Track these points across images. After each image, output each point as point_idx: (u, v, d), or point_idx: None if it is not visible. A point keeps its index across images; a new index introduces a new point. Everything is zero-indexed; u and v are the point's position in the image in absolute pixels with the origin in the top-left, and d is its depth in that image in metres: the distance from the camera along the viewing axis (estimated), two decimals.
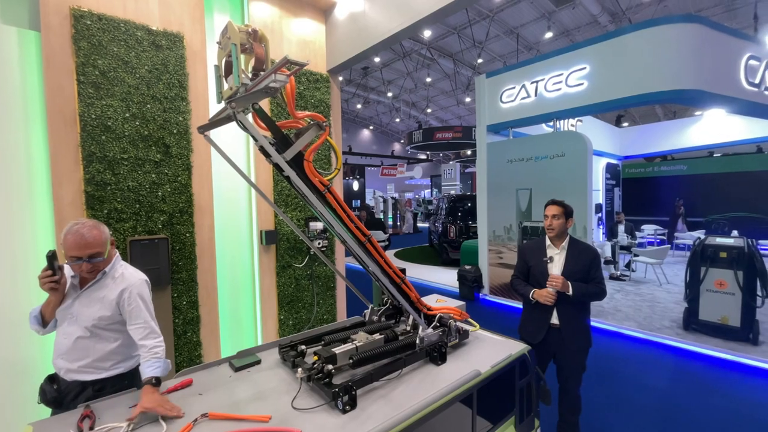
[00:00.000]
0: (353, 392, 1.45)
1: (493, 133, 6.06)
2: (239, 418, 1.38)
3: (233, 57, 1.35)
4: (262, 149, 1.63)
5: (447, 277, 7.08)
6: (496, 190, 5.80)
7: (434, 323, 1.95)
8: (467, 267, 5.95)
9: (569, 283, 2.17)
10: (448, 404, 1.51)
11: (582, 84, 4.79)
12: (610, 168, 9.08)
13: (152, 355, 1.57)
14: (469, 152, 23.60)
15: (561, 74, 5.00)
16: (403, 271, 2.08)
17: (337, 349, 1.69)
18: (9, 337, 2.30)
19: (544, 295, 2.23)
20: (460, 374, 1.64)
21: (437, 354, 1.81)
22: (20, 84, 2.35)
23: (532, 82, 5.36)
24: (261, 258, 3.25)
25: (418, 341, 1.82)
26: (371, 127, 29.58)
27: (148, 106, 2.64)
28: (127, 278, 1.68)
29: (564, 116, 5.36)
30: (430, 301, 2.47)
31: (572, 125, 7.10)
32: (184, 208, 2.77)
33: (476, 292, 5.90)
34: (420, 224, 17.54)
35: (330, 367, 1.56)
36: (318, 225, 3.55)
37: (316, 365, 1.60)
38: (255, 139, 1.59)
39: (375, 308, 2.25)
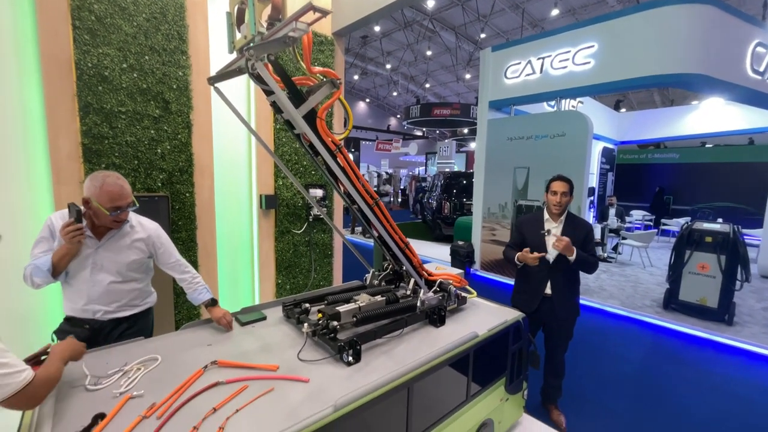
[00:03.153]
0: (358, 347, 1.51)
1: (495, 109, 6.00)
2: (248, 366, 1.43)
3: (249, 3, 1.29)
4: (274, 104, 1.60)
5: (439, 251, 7.20)
6: (493, 168, 5.81)
7: (434, 288, 2.01)
8: (460, 243, 6.05)
9: (574, 248, 2.23)
10: (447, 362, 1.58)
11: (588, 63, 4.73)
12: (606, 152, 9.14)
13: (197, 284, 1.93)
14: (466, 131, 23.40)
15: (568, 51, 4.92)
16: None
17: (341, 308, 1.74)
18: (13, 291, 2.30)
19: (523, 255, 2.31)
20: (459, 336, 1.71)
21: (437, 317, 1.87)
22: (12, 27, 2.22)
23: (539, 59, 5.27)
24: (260, 222, 3.25)
25: (419, 304, 1.88)
26: (368, 100, 28.93)
27: (146, 57, 2.53)
28: (146, 225, 1.87)
29: (568, 95, 5.32)
30: (430, 268, 2.53)
31: (573, 106, 7.06)
32: (184, 167, 2.72)
33: (468, 267, 6.03)
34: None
35: (335, 323, 1.62)
36: (318, 192, 3.55)
37: (321, 321, 1.66)
38: (267, 94, 1.56)
39: (376, 273, 2.30)
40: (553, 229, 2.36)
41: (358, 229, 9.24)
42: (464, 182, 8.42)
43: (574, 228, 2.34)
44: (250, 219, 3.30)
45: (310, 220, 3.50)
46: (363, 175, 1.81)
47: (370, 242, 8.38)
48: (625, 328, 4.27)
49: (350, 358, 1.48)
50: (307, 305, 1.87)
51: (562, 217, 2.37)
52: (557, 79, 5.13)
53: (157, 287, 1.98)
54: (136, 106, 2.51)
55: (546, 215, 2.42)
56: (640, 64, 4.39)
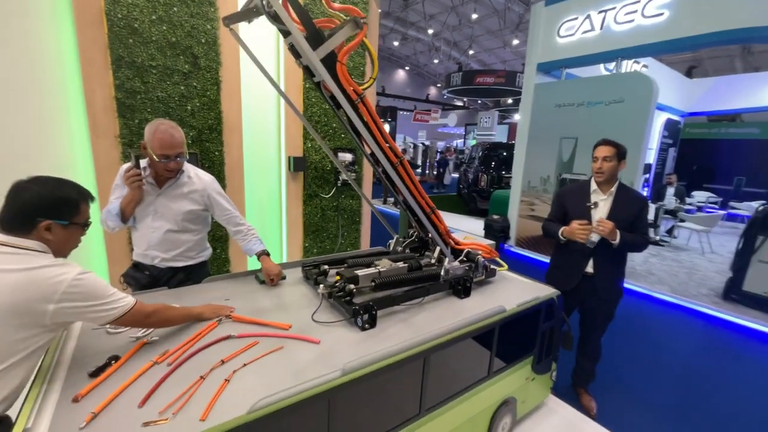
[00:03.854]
0: (374, 312, 1.43)
1: (543, 73, 5.46)
2: (261, 323, 1.41)
3: None
4: (291, 48, 1.47)
5: (473, 226, 6.96)
6: (537, 138, 5.37)
7: (461, 257, 1.88)
8: (495, 217, 5.77)
9: (618, 232, 1.98)
10: (469, 335, 1.47)
11: (661, 14, 4.08)
12: (669, 125, 8.16)
13: (252, 235, 1.92)
14: (510, 101, 22.01)
15: (637, 2, 4.27)
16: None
17: (360, 271, 1.67)
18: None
19: (570, 229, 2.04)
20: (484, 309, 1.59)
21: (461, 288, 1.75)
22: None
23: (600, 12, 4.64)
24: (288, 185, 3.23)
25: (442, 273, 1.76)
26: (407, 68, 27.89)
27: (175, 9, 2.46)
28: (203, 177, 1.89)
29: (633, 54, 4.66)
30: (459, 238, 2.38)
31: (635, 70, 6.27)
32: (213, 125, 2.71)
33: (502, 243, 5.78)
34: (453, 175, 17.06)
35: (352, 286, 1.54)
36: (347, 156, 3.44)
37: (338, 284, 1.59)
38: (284, 35, 1.43)
39: (400, 239, 2.19)
40: (601, 202, 2.10)
41: (390, 200, 9.13)
42: (504, 154, 7.92)
43: (626, 202, 2.06)
44: (278, 181, 3.28)
45: (339, 185, 3.43)
46: (399, 146, 1.64)
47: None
48: (673, 317, 3.91)
49: (365, 324, 1.41)
50: (326, 267, 1.81)
51: (613, 189, 2.09)
52: (621, 35, 4.51)
53: (214, 244, 2.03)
54: (166, 60, 2.48)
55: (593, 185, 2.15)
56: (726, 14, 3.71)
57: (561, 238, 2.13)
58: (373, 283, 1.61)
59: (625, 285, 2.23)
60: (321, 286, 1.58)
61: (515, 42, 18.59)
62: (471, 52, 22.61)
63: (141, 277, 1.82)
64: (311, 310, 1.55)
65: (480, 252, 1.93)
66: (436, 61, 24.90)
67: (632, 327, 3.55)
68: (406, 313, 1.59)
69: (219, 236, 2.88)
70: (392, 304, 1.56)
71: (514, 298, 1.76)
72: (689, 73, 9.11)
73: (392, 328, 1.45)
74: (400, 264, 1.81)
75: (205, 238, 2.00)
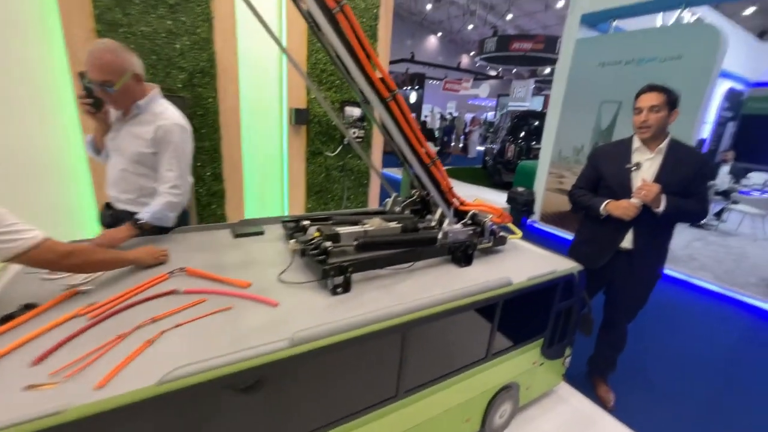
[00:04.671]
0: (348, 274, 1.20)
1: (587, 26, 4.79)
2: (217, 279, 1.21)
3: None
4: None
5: (495, 198, 6.55)
6: (574, 102, 4.79)
7: (465, 220, 1.59)
8: (519, 189, 5.33)
9: (664, 195, 1.61)
10: (462, 310, 1.22)
11: None
12: (731, 95, 7.19)
13: (154, 202, 1.53)
14: (548, 70, 20.47)
15: None
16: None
17: (342, 229, 1.43)
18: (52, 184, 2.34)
19: (625, 206, 1.66)
20: (485, 280, 1.32)
21: (462, 254, 1.48)
22: None
23: None
24: (290, 139, 2.99)
25: (440, 235, 1.49)
26: (439, 34, 26.36)
27: None
28: (163, 118, 1.56)
29: (699, 1, 3.95)
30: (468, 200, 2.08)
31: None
32: (205, 68, 2.47)
33: (524, 217, 5.37)
34: (478, 148, 16.29)
35: (328, 244, 1.30)
36: (355, 111, 3.14)
37: (314, 240, 1.36)
38: None
39: (399, 198, 1.92)
40: (646, 162, 1.71)
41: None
42: (536, 123, 7.28)
43: (680, 161, 1.66)
44: (280, 135, 3.04)
45: (345, 143, 3.16)
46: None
47: None
48: (716, 307, 3.48)
49: (337, 287, 1.19)
50: (306, 223, 1.58)
51: (662, 145, 1.69)
52: None
53: (209, 199, 1.83)
54: None
55: (636, 143, 1.76)
56: None
57: (602, 213, 1.76)
58: (355, 243, 1.36)
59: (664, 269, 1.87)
60: (292, 241, 1.36)
61: (559, 4, 16.93)
62: (509, 16, 20.93)
63: (105, 215, 1.67)
64: (282, 269, 1.34)
65: (490, 216, 1.64)
66: (470, 26, 23.30)
67: (664, 314, 3.17)
68: (392, 278, 1.35)
69: (215, 191, 2.72)
70: (373, 266, 1.31)
71: (526, 270, 1.48)
72: (762, 36, 7.92)
73: (369, 294, 1.21)
74: (393, 224, 1.56)
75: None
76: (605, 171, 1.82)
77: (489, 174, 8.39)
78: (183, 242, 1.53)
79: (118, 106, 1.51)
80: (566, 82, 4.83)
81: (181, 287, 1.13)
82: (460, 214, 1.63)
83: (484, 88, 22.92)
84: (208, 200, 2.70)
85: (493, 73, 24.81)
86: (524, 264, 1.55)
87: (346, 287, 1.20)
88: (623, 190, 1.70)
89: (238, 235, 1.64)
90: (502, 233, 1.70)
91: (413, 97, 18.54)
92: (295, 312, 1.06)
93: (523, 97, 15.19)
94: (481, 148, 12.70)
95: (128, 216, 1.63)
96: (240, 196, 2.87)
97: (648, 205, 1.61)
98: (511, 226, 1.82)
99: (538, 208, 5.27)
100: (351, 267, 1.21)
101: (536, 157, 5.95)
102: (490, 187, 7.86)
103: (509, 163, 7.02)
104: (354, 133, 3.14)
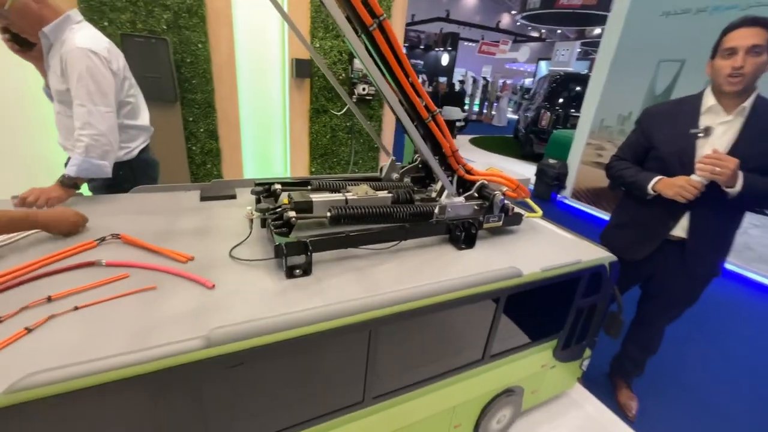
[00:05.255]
0: (308, 253, 0.95)
1: None
2: (154, 250, 1.01)
3: None
4: None
5: (523, 170, 6.03)
6: (624, 61, 4.13)
7: (471, 192, 1.29)
8: (551, 161, 4.81)
9: (741, 173, 1.21)
10: (450, 306, 0.96)
11: None
12: None
13: (78, 146, 1.27)
14: (598, 30, 18.46)
15: None
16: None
17: (318, 196, 1.18)
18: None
19: (681, 185, 1.27)
20: (489, 268, 1.04)
21: (462, 234, 1.19)
22: None
23: None
24: (292, 94, 2.69)
25: (437, 210, 1.21)
26: None
27: None
28: (67, 44, 1.28)
29: None
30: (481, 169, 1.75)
31: None
32: (192, 7, 2.18)
33: (554, 192, 4.88)
34: (510, 116, 15.22)
35: (292, 214, 1.06)
36: None
37: (280, 208, 1.12)
38: None
39: (398, 164, 1.62)
40: (720, 126, 1.30)
41: None
42: (577, 89, 6.51)
43: (766, 126, 1.26)
44: (282, 89, 2.75)
45: (354, 100, 2.83)
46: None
47: None
48: None
49: (294, 269, 0.95)
50: (278, 187, 1.33)
51: (746, 104, 1.26)
52: None
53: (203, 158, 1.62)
54: None
55: (709, 100, 1.34)
56: None
57: (650, 192, 1.38)
58: (329, 214, 1.11)
59: None
60: (249, 208, 1.12)
61: None
62: None
63: (66, 161, 1.47)
64: (239, 241, 1.12)
65: (504, 189, 1.32)
66: None
67: (709, 312, 2.77)
68: (372, 260, 1.10)
69: (209, 149, 2.52)
70: (345, 245, 1.06)
71: (542, 257, 1.19)
72: None
73: (334, 280, 0.97)
74: (382, 193, 1.29)
75: (122, 128, 1.47)
76: (659, 137, 1.42)
77: (520, 144, 7.75)
78: (137, 203, 1.34)
79: (26, 35, 1.28)
80: (618, 37, 4.14)
81: (103, 258, 0.94)
82: (466, 186, 1.33)
83: (524, 51, 21.19)
84: (203, 159, 2.51)
85: (535, 34, 22.78)
86: (541, 250, 1.25)
87: (305, 270, 0.96)
88: (682, 164, 1.31)
89: (204, 198, 1.42)
90: (516, 210, 1.39)
91: (445, 59, 17.41)
92: (234, 298, 0.85)
93: (567, 61, 13.84)
94: (515, 116, 11.84)
95: None
96: (238, 155, 2.66)
97: (719, 183, 1.22)
98: (529, 202, 1.49)
99: (570, 182, 4.76)
100: (313, 244, 0.97)
101: (574, 126, 5.35)
102: (520, 159, 7.28)
103: (543, 132, 6.37)
104: (364, 89, 2.79)
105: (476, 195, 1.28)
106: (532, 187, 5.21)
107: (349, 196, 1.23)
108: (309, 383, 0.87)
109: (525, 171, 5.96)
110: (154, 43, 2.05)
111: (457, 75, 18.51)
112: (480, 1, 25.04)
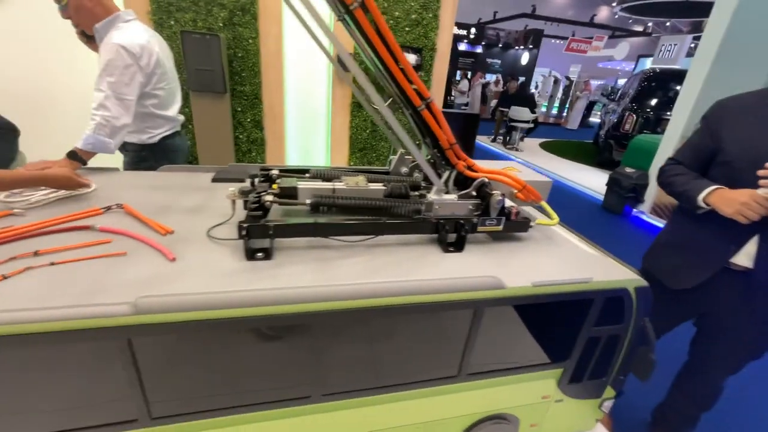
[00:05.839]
0: (269, 235, 0.94)
1: None
2: (144, 221, 1.09)
3: None
4: None
5: (595, 180, 5.37)
6: (735, 50, 3.41)
7: (469, 190, 1.16)
8: (627, 170, 4.19)
9: None
10: (409, 311, 0.87)
11: None
12: None
13: (89, 126, 1.41)
14: None
15: None
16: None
17: (305, 183, 1.17)
18: None
19: (743, 201, 1.01)
20: (470, 274, 0.94)
21: (453, 234, 1.08)
22: None
23: None
24: (334, 88, 2.75)
25: (423, 207, 1.11)
26: None
27: None
28: (106, 39, 1.46)
29: None
30: (495, 168, 1.55)
31: None
32: (246, 6, 2.35)
33: (628, 205, 4.25)
34: (594, 119, 13.72)
35: (269, 198, 1.06)
36: (410, 57, 2.71)
37: (263, 193, 1.13)
38: None
39: (407, 157, 1.54)
40: None
41: (500, 138, 7.77)
42: (677, 88, 5.56)
43: None
44: (327, 83, 2.81)
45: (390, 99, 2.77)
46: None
47: (515, 157, 7.02)
48: None
49: (254, 251, 0.95)
50: (275, 173, 1.35)
51: None
52: None
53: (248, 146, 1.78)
54: None
55: None
56: None
57: (702, 206, 1.12)
58: (308, 202, 1.09)
59: None
60: (231, 189, 1.15)
61: None
62: None
63: None
64: (229, 221, 1.16)
65: (513, 190, 1.17)
66: None
67: None
68: (341, 252, 1.05)
69: (254, 138, 2.70)
70: (312, 233, 1.03)
71: (543, 271, 1.03)
72: None
73: (294, 268, 0.94)
74: (377, 185, 1.23)
75: (147, 116, 1.63)
76: (730, 136, 1.12)
77: (600, 150, 6.92)
78: (157, 180, 1.47)
79: (83, 29, 1.46)
80: (729, 20, 3.43)
81: (98, 224, 1.04)
82: (468, 183, 1.20)
83: (622, 48, 18.98)
84: (248, 147, 2.70)
85: (638, 28, 20.21)
86: (547, 262, 1.07)
87: (265, 253, 0.95)
88: (753, 173, 1.02)
89: (215, 180, 1.51)
90: (523, 215, 1.21)
91: (524, 58, 16.37)
92: (186, 273, 0.87)
93: (673, 59, 12.02)
94: (597, 120, 10.65)
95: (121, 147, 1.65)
96: (281, 145, 2.81)
97: None
98: (545, 206, 1.29)
99: (650, 195, 4.10)
100: (276, 229, 0.95)
101: (663, 131, 4.60)
102: (595, 166, 6.51)
103: (626, 137, 5.57)
104: None
105: (474, 194, 1.15)
106: (600, 198, 4.61)
107: (338, 185, 1.19)
108: (247, 369, 0.86)
109: (597, 180, 5.31)
110: (208, 39, 2.26)
111: (537, 75, 17.29)
112: None
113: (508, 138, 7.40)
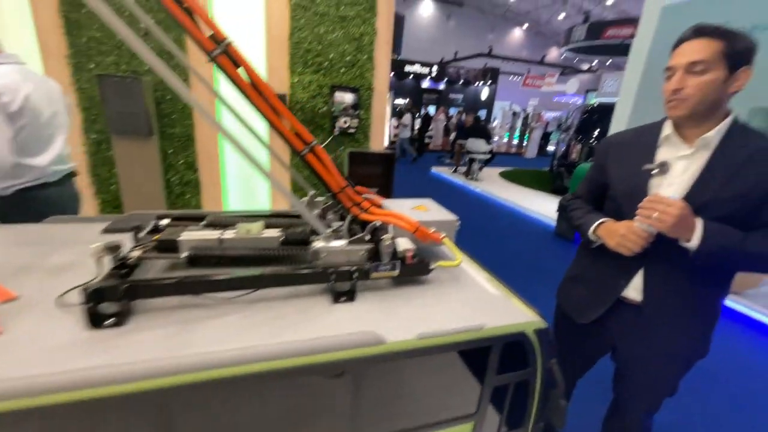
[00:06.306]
0: (121, 299, 0.83)
1: None
2: None
3: None
4: None
5: (551, 206, 5.56)
6: (654, 87, 3.73)
7: (363, 234, 1.11)
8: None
9: (697, 220, 0.91)
10: (272, 377, 0.77)
11: None
12: None
13: None
14: None
15: None
16: None
17: (192, 233, 1.08)
18: None
19: (622, 233, 1.00)
20: (353, 327, 0.86)
21: (345, 283, 1.01)
22: None
23: None
24: (271, 132, 2.71)
25: (310, 256, 1.04)
26: (525, 26, 24.35)
27: None
28: None
29: None
30: (404, 207, 1.46)
31: None
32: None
33: (578, 233, 4.38)
34: (551, 148, 14.55)
35: (135, 253, 0.95)
36: (346, 97, 2.75)
37: (136, 247, 1.03)
38: None
39: (320, 199, 1.48)
40: (679, 162, 1.01)
41: (462, 169, 8.00)
42: (611, 119, 6.01)
43: (743, 161, 0.92)
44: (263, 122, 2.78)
45: (336, 133, 2.79)
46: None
47: (474, 187, 7.20)
48: None
49: (108, 320, 0.83)
50: (163, 222, 1.24)
51: (711, 134, 0.95)
52: None
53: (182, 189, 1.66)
54: None
55: (666, 129, 1.06)
56: None
57: (592, 238, 1.13)
58: (184, 255, 1.00)
59: (729, 303, 1.12)
60: (95, 245, 1.04)
61: None
62: (610, 0, 18.35)
63: None
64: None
65: (405, 231, 1.12)
66: (562, 16, 21.04)
67: (729, 372, 2.16)
68: (216, 311, 0.95)
69: (188, 180, 2.59)
70: (177, 291, 0.93)
71: (432, 320, 0.96)
72: None
73: (148, 334, 0.83)
74: (271, 232, 1.15)
75: (20, 151, 1.48)
76: (612, 172, 1.15)
77: (553, 178, 7.25)
78: (35, 234, 1.33)
79: None
80: (644, 63, 3.77)
81: None
82: (362, 225, 1.15)
83: (573, 83, 20.56)
84: (182, 190, 2.59)
85: (585, 66, 22.11)
86: (446, 309, 1.01)
87: (119, 318, 0.84)
88: (636, 200, 1.03)
89: (106, 230, 1.39)
90: (420, 258, 1.16)
91: (485, 93, 17.37)
92: (8, 347, 0.74)
93: (615, 92, 13.07)
94: (553, 149, 11.28)
95: None
96: (217, 186, 2.71)
97: (665, 233, 0.93)
98: (449, 245, 1.25)
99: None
100: (129, 290, 0.85)
101: None
102: (550, 193, 6.77)
103: (573, 165, 5.89)
104: (345, 122, 2.75)
105: (368, 238, 1.10)
106: (553, 224, 4.75)
107: (227, 235, 1.11)
108: None
109: (551, 207, 5.49)
110: (129, 82, 2.20)
111: (498, 108, 18.30)
112: (526, 36, 25.09)
113: (469, 169, 7.63)
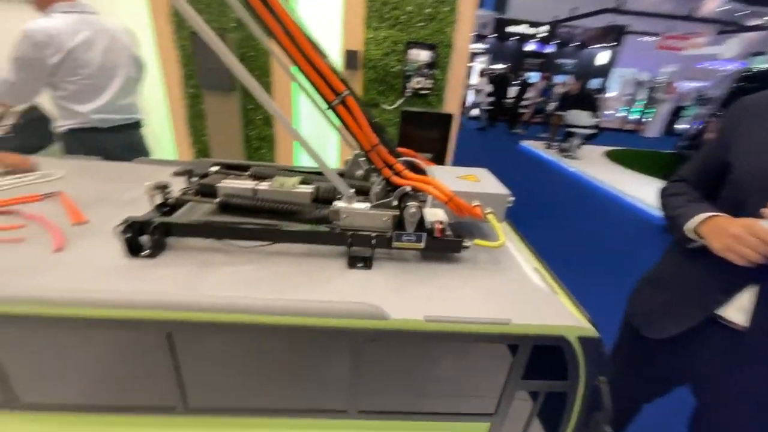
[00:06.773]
0: (150, 234, 0.90)
1: None
2: (68, 208, 1.13)
3: None
4: None
5: (649, 193, 4.63)
6: None
7: (390, 199, 1.01)
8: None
9: None
10: (263, 330, 0.77)
11: None
12: None
13: None
14: None
15: None
16: None
17: (226, 182, 1.13)
18: None
19: (738, 234, 0.71)
20: (360, 296, 0.82)
21: (365, 248, 0.94)
22: None
23: None
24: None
25: (330, 214, 0.99)
26: None
27: None
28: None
29: None
30: (448, 176, 1.23)
31: None
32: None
33: None
34: (682, 126, 11.89)
35: (174, 195, 1.03)
36: (422, 54, 2.54)
37: (183, 189, 1.11)
38: None
39: (360, 159, 1.40)
40: None
41: (556, 144, 7.08)
42: None
43: None
44: None
45: (408, 94, 2.63)
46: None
47: (568, 166, 6.37)
48: None
49: (135, 247, 0.92)
50: (213, 169, 1.31)
51: None
52: None
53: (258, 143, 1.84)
54: None
55: None
56: None
57: (690, 235, 0.85)
58: (217, 201, 1.05)
59: None
60: (148, 184, 1.14)
61: None
62: None
63: None
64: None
65: (443, 203, 0.99)
66: None
67: None
68: (237, 258, 0.98)
69: (264, 135, 2.75)
70: (200, 234, 0.97)
71: (452, 303, 0.86)
72: None
73: (171, 270, 0.90)
74: (305, 188, 1.14)
75: (56, 106, 1.69)
76: (743, 148, 0.82)
77: (675, 162, 5.95)
78: (121, 171, 1.52)
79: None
80: None
81: (25, 209, 1.09)
82: (388, 191, 1.04)
83: (732, 45, 16.42)
84: (259, 144, 2.76)
85: (756, 22, 17.15)
86: (467, 293, 0.88)
87: (153, 251, 0.91)
88: (763, 196, 0.72)
89: (175, 174, 1.53)
90: (453, 234, 1.00)
91: (601, 58, 14.84)
92: (59, 265, 0.86)
93: None
94: (685, 127, 9.22)
95: None
96: (290, 142, 2.83)
97: None
98: (493, 223, 1.06)
99: None
100: (159, 227, 0.91)
101: None
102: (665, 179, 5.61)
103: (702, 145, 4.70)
104: (419, 82, 2.56)
105: (396, 203, 0.99)
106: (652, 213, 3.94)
107: (262, 186, 1.13)
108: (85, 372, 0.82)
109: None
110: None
111: (617, 76, 15.59)
112: None
113: (565, 144, 6.73)
